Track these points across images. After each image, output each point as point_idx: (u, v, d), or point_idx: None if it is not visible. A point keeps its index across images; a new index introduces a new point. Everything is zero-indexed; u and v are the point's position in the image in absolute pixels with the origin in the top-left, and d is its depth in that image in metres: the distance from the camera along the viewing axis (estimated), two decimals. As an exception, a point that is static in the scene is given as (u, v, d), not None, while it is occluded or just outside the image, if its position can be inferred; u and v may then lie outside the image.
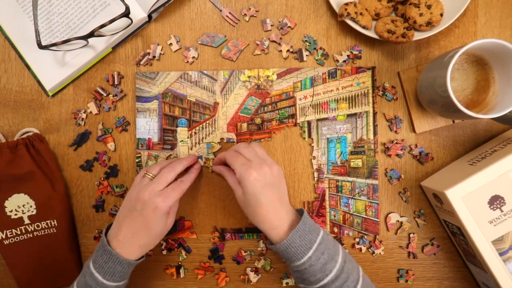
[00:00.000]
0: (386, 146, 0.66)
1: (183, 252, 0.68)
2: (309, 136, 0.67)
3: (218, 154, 0.64)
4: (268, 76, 0.67)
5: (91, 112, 0.68)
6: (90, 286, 0.54)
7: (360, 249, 0.67)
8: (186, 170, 0.63)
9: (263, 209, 0.55)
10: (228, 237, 0.68)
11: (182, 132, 0.68)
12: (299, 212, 0.58)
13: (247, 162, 0.56)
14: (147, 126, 0.67)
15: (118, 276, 0.55)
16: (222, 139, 0.67)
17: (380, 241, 0.66)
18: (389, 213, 0.67)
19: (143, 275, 0.68)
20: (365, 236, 0.67)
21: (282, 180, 0.58)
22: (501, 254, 0.56)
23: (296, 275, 0.56)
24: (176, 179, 0.59)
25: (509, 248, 0.56)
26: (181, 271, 0.68)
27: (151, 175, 0.58)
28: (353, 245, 0.67)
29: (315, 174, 0.67)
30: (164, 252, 0.68)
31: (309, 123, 0.67)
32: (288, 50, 0.66)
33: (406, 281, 0.67)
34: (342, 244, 0.67)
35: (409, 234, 0.67)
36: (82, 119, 0.67)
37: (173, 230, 0.68)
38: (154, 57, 0.67)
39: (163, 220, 0.56)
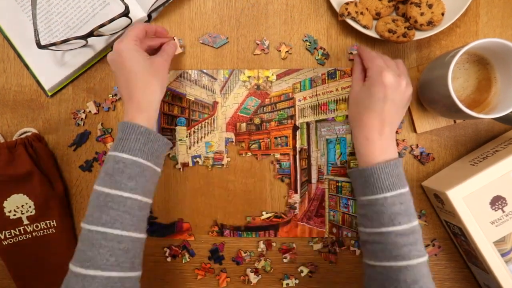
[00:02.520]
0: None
1: (187, 255, 0.68)
2: (308, 138, 0.67)
3: (361, 47, 0.62)
4: (267, 77, 0.67)
5: (90, 111, 0.67)
6: (137, 175, 0.50)
7: (355, 252, 0.66)
8: None
9: (371, 116, 0.53)
10: (227, 234, 0.67)
11: (181, 131, 0.67)
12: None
13: (386, 67, 0.53)
14: (146, 126, 0.67)
15: (156, 157, 0.53)
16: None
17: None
18: (390, 214, 0.66)
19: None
20: None
21: (406, 105, 0.56)
22: (503, 255, 0.56)
23: (361, 212, 0.54)
24: None
25: (511, 249, 0.56)
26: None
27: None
28: (349, 247, 0.66)
29: (315, 175, 0.66)
30: (169, 259, 0.68)
31: (308, 124, 0.67)
32: (287, 51, 0.66)
33: None
34: (343, 245, 0.66)
35: (410, 235, 0.66)
36: (82, 119, 0.67)
37: (171, 232, 0.67)
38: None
39: (138, 58, 0.53)
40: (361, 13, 0.61)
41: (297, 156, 0.67)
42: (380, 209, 0.51)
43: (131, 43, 0.54)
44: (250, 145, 0.67)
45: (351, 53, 0.66)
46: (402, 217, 0.51)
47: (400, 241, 0.50)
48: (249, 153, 0.67)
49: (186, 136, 0.67)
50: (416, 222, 0.52)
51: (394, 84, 0.52)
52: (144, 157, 0.52)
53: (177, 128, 0.67)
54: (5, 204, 0.64)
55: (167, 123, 0.67)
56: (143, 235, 0.52)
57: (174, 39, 0.64)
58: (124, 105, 0.55)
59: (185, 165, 0.67)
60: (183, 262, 0.68)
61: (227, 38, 0.67)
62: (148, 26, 0.59)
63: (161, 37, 0.63)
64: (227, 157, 0.67)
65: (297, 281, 0.67)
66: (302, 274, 0.67)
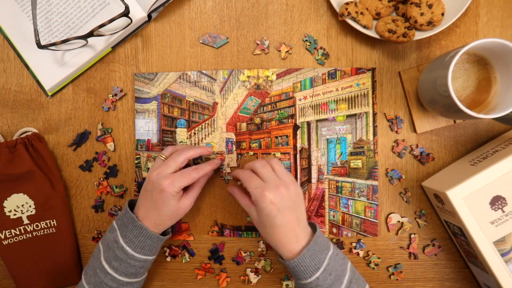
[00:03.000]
0: (395, 142, 0.65)
1: (187, 255, 0.68)
2: (308, 137, 0.67)
3: (233, 171, 0.63)
4: (267, 76, 0.67)
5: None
6: (121, 259, 0.56)
7: (358, 254, 0.66)
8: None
9: (279, 231, 0.54)
10: (227, 233, 0.67)
11: (181, 133, 0.67)
12: (312, 227, 0.58)
13: (262, 184, 0.55)
14: (146, 127, 0.67)
15: (147, 250, 0.57)
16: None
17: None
18: (390, 214, 0.66)
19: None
20: (361, 240, 0.66)
21: (300, 200, 0.57)
22: (502, 255, 0.56)
23: None
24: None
25: (510, 249, 0.56)
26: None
27: (163, 156, 0.60)
28: (350, 250, 0.66)
29: (315, 174, 0.67)
30: (168, 259, 0.68)
31: (308, 123, 0.67)
32: (287, 51, 0.66)
33: (395, 278, 0.66)
34: (342, 248, 0.66)
35: (410, 235, 0.66)
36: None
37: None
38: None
39: (172, 202, 0.57)
40: (361, 13, 0.61)
41: (298, 156, 0.67)
42: None
43: (176, 192, 0.56)
44: (250, 144, 0.67)
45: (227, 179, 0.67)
46: (336, 284, 0.54)
47: None
48: (250, 153, 0.67)
49: (187, 138, 0.67)
50: (345, 281, 0.55)
51: (277, 197, 0.53)
52: (133, 247, 0.56)
53: (178, 130, 0.67)
54: (5, 203, 0.65)
55: (167, 125, 0.67)
56: None
57: (214, 155, 0.67)
58: (138, 212, 0.58)
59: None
60: (183, 262, 0.68)
61: (227, 38, 0.67)
62: (196, 154, 0.61)
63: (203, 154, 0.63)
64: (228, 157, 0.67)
65: (297, 281, 0.67)
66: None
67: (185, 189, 0.60)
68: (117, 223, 0.58)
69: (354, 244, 0.66)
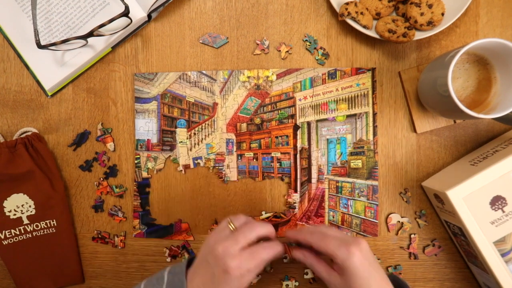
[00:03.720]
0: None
1: (186, 256, 0.68)
2: (308, 137, 0.67)
3: (289, 232, 0.56)
4: (267, 77, 0.67)
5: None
6: None
7: None
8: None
9: (373, 283, 0.47)
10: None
11: (181, 133, 0.67)
12: (392, 280, 0.52)
13: (344, 241, 0.48)
14: (146, 127, 0.67)
15: None
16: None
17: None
18: (390, 214, 0.66)
19: (143, 277, 0.68)
20: None
21: (377, 264, 0.50)
22: (503, 255, 0.56)
23: None
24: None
25: (510, 249, 0.56)
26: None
27: (233, 226, 0.52)
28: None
29: (315, 174, 0.67)
30: (168, 260, 0.68)
31: (308, 124, 0.67)
32: (287, 51, 0.66)
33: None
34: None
35: (410, 235, 0.66)
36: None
37: (169, 233, 0.67)
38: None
39: (235, 283, 0.49)
40: (361, 13, 0.61)
41: (298, 156, 0.67)
42: None
43: (242, 274, 0.49)
44: (250, 145, 0.67)
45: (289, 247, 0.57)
46: None
47: None
48: (251, 153, 0.67)
49: (187, 138, 0.67)
50: None
51: (363, 252, 0.47)
52: None
53: (178, 130, 0.67)
54: (5, 203, 0.65)
55: (167, 125, 0.67)
56: None
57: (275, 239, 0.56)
58: (192, 281, 0.51)
59: (186, 167, 0.67)
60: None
61: (227, 38, 0.67)
62: (268, 233, 0.53)
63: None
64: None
65: (297, 283, 0.67)
66: (306, 276, 0.67)
67: None
68: (168, 277, 0.52)
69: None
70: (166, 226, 0.67)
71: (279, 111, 0.67)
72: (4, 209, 0.65)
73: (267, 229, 0.52)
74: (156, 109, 0.67)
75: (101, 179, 0.68)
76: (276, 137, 0.67)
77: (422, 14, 0.60)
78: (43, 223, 0.66)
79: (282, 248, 0.53)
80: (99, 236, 0.68)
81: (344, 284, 0.48)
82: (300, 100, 0.67)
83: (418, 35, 0.61)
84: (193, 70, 0.67)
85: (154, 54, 0.67)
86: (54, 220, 0.66)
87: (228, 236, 0.50)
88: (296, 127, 0.67)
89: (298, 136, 0.67)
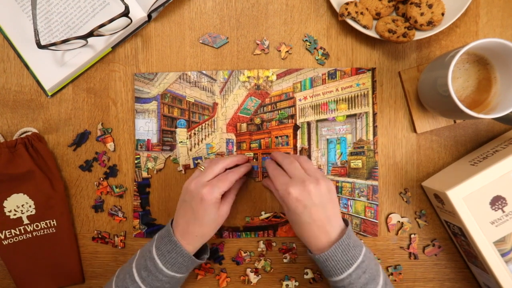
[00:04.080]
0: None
1: None
2: (308, 137, 0.67)
3: (268, 159, 0.63)
4: (267, 77, 0.67)
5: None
6: (150, 270, 0.54)
7: None
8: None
9: (307, 228, 0.53)
10: (226, 235, 0.67)
11: (181, 133, 0.67)
12: (344, 222, 0.56)
13: (288, 181, 0.53)
14: (146, 127, 0.67)
15: (177, 267, 0.55)
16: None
17: (381, 242, 0.66)
18: (390, 214, 0.66)
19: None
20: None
21: (332, 196, 0.54)
22: (503, 255, 0.56)
23: None
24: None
25: (510, 249, 0.56)
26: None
27: (203, 167, 0.59)
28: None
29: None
30: None
31: (308, 124, 0.67)
32: (287, 51, 0.66)
33: (394, 279, 0.66)
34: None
35: (410, 235, 0.66)
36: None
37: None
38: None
39: (212, 210, 0.56)
40: (361, 13, 0.61)
41: (297, 156, 0.67)
42: (350, 287, 0.51)
43: (218, 197, 0.56)
44: (250, 145, 0.67)
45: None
46: (370, 284, 0.51)
47: None
48: (251, 153, 0.67)
49: (187, 138, 0.67)
50: (381, 281, 0.52)
51: (303, 194, 0.51)
52: (163, 262, 0.55)
53: (178, 130, 0.67)
54: (5, 203, 0.65)
55: (167, 125, 0.67)
56: None
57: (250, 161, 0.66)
58: (175, 225, 0.57)
59: (186, 167, 0.67)
60: None
61: (227, 38, 0.67)
62: (233, 162, 0.61)
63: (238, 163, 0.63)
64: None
65: (297, 283, 0.67)
66: (306, 276, 0.67)
67: (222, 197, 0.58)
68: (158, 234, 0.58)
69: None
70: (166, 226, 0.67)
71: (279, 111, 0.67)
72: (4, 209, 0.65)
73: (231, 160, 0.60)
74: (156, 109, 0.67)
75: (101, 179, 0.68)
76: (276, 137, 0.67)
77: (422, 14, 0.60)
78: (43, 223, 0.66)
79: (248, 168, 0.63)
80: (99, 236, 0.68)
81: (288, 213, 0.55)
82: (300, 100, 0.67)
83: (418, 35, 0.61)
84: (193, 70, 0.67)
85: (154, 54, 0.67)
86: (54, 220, 0.66)
87: (197, 175, 0.58)
88: (296, 127, 0.67)
89: (298, 136, 0.67)
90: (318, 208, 0.52)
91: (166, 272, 0.55)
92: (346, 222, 0.56)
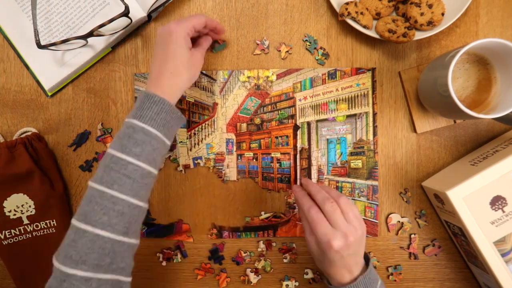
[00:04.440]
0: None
1: (179, 255, 0.67)
2: (308, 137, 0.67)
3: (304, 181, 0.58)
4: (267, 77, 0.67)
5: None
6: (143, 142, 0.51)
7: None
8: None
9: (333, 268, 0.51)
10: (226, 235, 0.67)
11: (181, 133, 0.67)
12: (365, 258, 0.54)
13: (331, 232, 0.49)
14: (146, 126, 0.67)
15: (166, 129, 0.53)
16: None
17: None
18: (390, 214, 0.66)
19: (142, 276, 0.68)
20: None
21: (363, 242, 0.52)
22: (503, 255, 0.56)
23: None
24: None
25: (510, 249, 0.56)
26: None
27: None
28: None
29: (315, 175, 0.67)
30: (164, 264, 0.68)
31: (308, 124, 0.67)
32: (287, 51, 0.66)
33: (394, 279, 0.66)
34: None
35: (410, 235, 0.66)
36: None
37: (169, 233, 0.67)
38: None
39: (182, 43, 0.55)
40: (361, 13, 0.61)
41: (298, 156, 0.67)
42: None
43: (186, 30, 0.55)
44: (250, 145, 0.67)
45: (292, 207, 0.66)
46: None
47: None
48: (250, 153, 0.67)
49: (187, 138, 0.67)
50: None
51: (344, 247, 0.49)
52: (155, 126, 0.52)
53: (178, 130, 0.67)
54: (5, 203, 0.64)
55: (167, 123, 0.67)
56: (142, 204, 0.51)
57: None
58: (149, 81, 0.56)
59: (186, 167, 0.67)
60: (175, 261, 0.68)
61: (225, 42, 0.67)
62: (210, 21, 0.60)
63: (215, 32, 0.63)
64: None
65: (297, 283, 0.67)
66: (306, 276, 0.67)
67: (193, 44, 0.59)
68: (129, 115, 0.53)
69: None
70: (166, 225, 0.67)
71: (279, 111, 0.67)
72: (4, 209, 0.64)
73: (206, 18, 0.59)
74: (156, 109, 0.67)
75: (101, 179, 0.68)
76: (276, 137, 0.67)
77: (422, 14, 0.60)
78: (43, 223, 0.66)
79: (216, 23, 0.61)
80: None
81: (318, 249, 0.51)
82: (300, 100, 0.67)
83: (418, 35, 0.61)
84: (193, 70, 0.67)
85: (154, 54, 0.67)
86: (54, 220, 0.66)
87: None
88: (296, 127, 0.67)
89: (298, 136, 0.67)
90: (352, 256, 0.51)
91: (161, 138, 0.52)
92: (366, 258, 0.54)
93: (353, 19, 0.61)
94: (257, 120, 0.67)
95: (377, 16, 0.62)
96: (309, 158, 0.67)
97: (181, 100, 0.67)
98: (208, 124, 0.67)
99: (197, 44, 0.61)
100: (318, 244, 0.51)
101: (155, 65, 0.56)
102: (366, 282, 0.51)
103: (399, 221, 0.66)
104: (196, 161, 0.67)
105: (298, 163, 0.67)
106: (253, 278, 0.67)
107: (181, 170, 0.67)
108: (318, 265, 0.54)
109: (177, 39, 0.55)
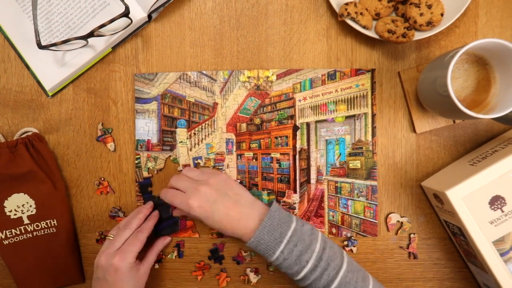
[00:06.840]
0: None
1: (175, 253, 0.68)
2: (308, 138, 0.67)
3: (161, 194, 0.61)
4: (267, 77, 0.67)
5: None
6: None
7: (351, 251, 0.66)
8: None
9: (224, 222, 0.54)
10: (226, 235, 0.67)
11: (181, 133, 0.67)
12: (270, 205, 0.57)
13: (185, 196, 0.55)
14: (146, 127, 0.67)
15: None
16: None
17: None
18: (390, 214, 0.66)
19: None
20: (352, 237, 0.66)
21: (229, 184, 0.57)
22: (502, 255, 0.56)
23: (278, 268, 0.56)
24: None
25: (510, 249, 0.56)
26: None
27: (112, 236, 0.59)
28: (343, 248, 0.66)
29: (314, 175, 0.67)
30: (156, 266, 0.68)
31: (308, 124, 0.67)
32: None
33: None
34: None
35: (409, 235, 0.66)
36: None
37: (175, 230, 0.68)
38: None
39: (131, 277, 0.56)
40: (361, 13, 0.61)
41: (297, 156, 0.67)
42: (286, 262, 0.53)
43: (131, 263, 0.56)
44: (250, 145, 0.67)
45: None
46: (305, 254, 0.53)
47: (317, 273, 0.52)
48: (250, 153, 0.67)
49: (187, 138, 0.67)
50: (317, 247, 0.53)
51: (202, 199, 0.54)
52: None
53: (178, 130, 0.67)
54: (6, 203, 0.65)
55: (168, 125, 0.67)
56: None
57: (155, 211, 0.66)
58: None
59: (186, 166, 0.68)
60: (169, 257, 0.68)
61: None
62: (140, 221, 0.62)
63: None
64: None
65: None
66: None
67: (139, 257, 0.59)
68: None
69: (346, 242, 0.66)
70: (171, 223, 0.67)
71: (278, 111, 0.67)
72: (5, 209, 0.65)
73: (138, 219, 0.61)
74: (156, 109, 0.67)
75: (102, 179, 0.68)
76: (276, 138, 0.67)
77: (421, 14, 0.60)
78: (43, 223, 0.66)
79: (152, 222, 0.62)
80: (102, 237, 0.68)
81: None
82: (299, 101, 0.67)
83: (418, 36, 0.61)
84: (193, 70, 0.67)
85: (154, 54, 0.68)
86: (55, 220, 0.66)
87: (106, 246, 0.57)
88: (295, 128, 0.67)
89: (298, 137, 0.67)
90: (221, 200, 0.54)
91: None
92: (271, 204, 0.56)
93: (353, 19, 0.62)
94: (257, 120, 0.67)
95: (377, 16, 0.63)
96: (308, 158, 0.67)
97: (181, 100, 0.67)
98: (208, 124, 0.68)
99: (145, 255, 0.61)
100: (192, 215, 0.55)
101: None
102: (269, 228, 0.52)
103: (398, 221, 0.66)
104: (196, 161, 0.67)
105: (297, 164, 0.67)
106: (253, 278, 0.67)
107: (181, 170, 0.67)
108: (225, 233, 0.56)
109: (125, 276, 0.55)
